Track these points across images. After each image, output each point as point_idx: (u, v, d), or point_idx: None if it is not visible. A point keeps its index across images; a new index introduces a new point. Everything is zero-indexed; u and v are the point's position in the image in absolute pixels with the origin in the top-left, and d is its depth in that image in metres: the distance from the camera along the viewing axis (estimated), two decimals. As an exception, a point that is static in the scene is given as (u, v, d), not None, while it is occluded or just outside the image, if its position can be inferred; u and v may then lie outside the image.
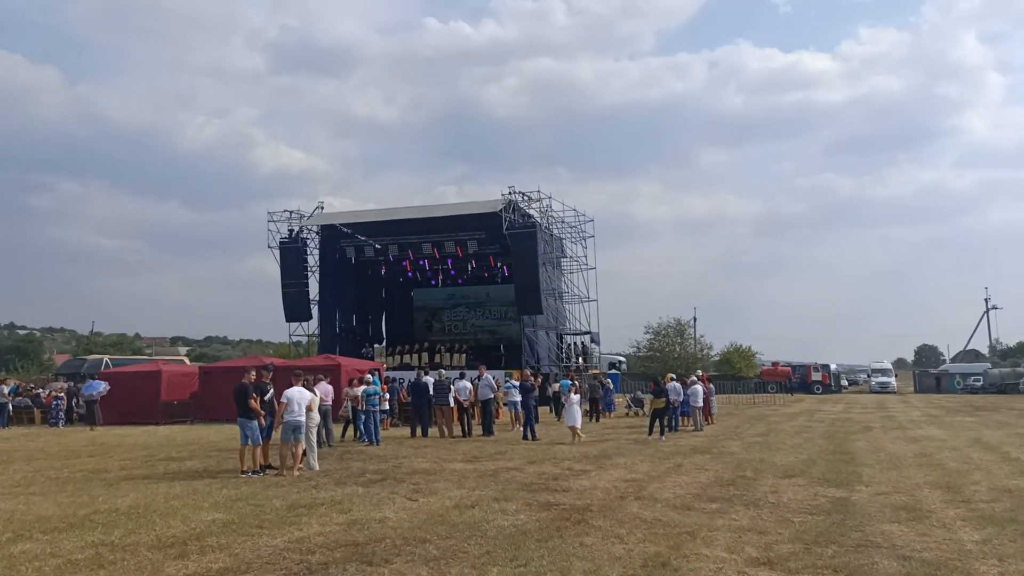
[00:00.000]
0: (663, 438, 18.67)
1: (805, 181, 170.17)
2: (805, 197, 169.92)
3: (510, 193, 40.54)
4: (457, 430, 20.42)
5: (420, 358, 43.18)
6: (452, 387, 20.76)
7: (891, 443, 17.18)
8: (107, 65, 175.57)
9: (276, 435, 13.60)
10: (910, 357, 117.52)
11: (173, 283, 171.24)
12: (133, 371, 30.83)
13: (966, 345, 76.61)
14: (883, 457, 14.30)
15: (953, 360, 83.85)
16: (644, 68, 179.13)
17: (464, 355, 44.15)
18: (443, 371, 22.00)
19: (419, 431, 20.45)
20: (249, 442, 12.94)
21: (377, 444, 17.91)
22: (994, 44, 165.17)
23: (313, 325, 46.10)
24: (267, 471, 13.09)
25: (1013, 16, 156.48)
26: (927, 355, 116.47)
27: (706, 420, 22.69)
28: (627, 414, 28.88)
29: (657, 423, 19.07)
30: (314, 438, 13.83)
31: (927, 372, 63.72)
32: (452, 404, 20.65)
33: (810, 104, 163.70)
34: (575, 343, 45.58)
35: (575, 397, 18.24)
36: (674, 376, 22.38)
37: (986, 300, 68.97)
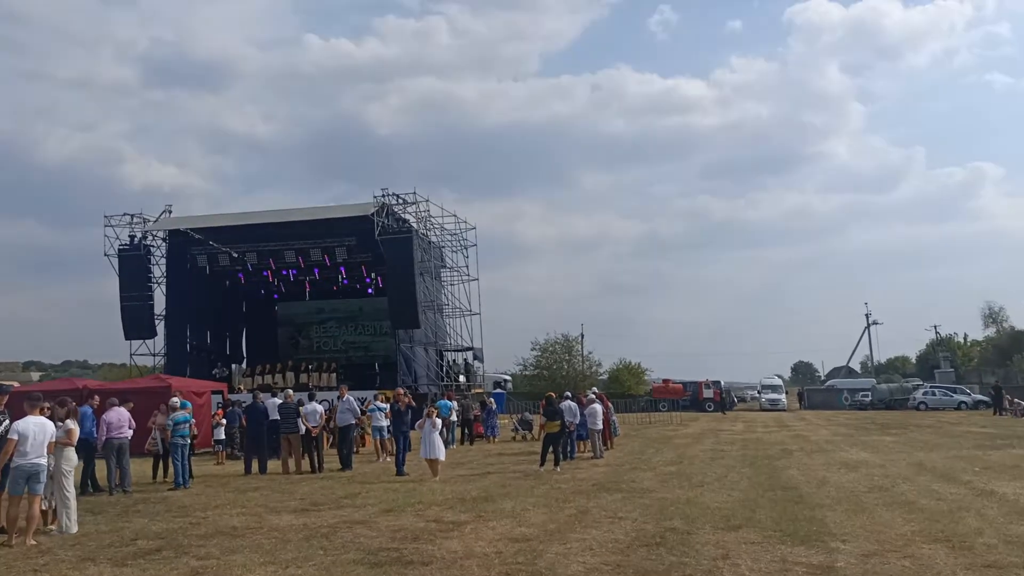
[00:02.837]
0: (558, 469, 15.34)
1: (684, 203, 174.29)
2: (683, 218, 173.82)
3: (383, 195, 36.54)
4: (308, 463, 16.35)
5: (284, 378, 38.32)
6: (303, 411, 16.69)
7: (826, 471, 14.50)
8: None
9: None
10: (786, 373, 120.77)
11: (30, 305, 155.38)
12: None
13: (848, 359, 78.37)
14: (834, 493, 11.45)
15: (828, 376, 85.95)
16: (528, 89, 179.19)
17: (334, 374, 39.63)
18: (290, 391, 17.86)
19: (256, 466, 16.25)
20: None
21: (185, 487, 13.64)
22: (855, 75, 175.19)
23: (160, 343, 40.25)
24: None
25: (874, 48, 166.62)
26: (803, 371, 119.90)
27: (606, 444, 19.57)
28: (514, 438, 25.49)
29: (551, 451, 15.70)
30: (70, 489, 9.56)
31: (815, 388, 63.74)
32: (303, 431, 16.54)
33: (687, 128, 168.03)
34: (456, 360, 41.85)
35: (434, 423, 14.46)
36: (569, 394, 19.16)
37: (867, 316, 70.17)
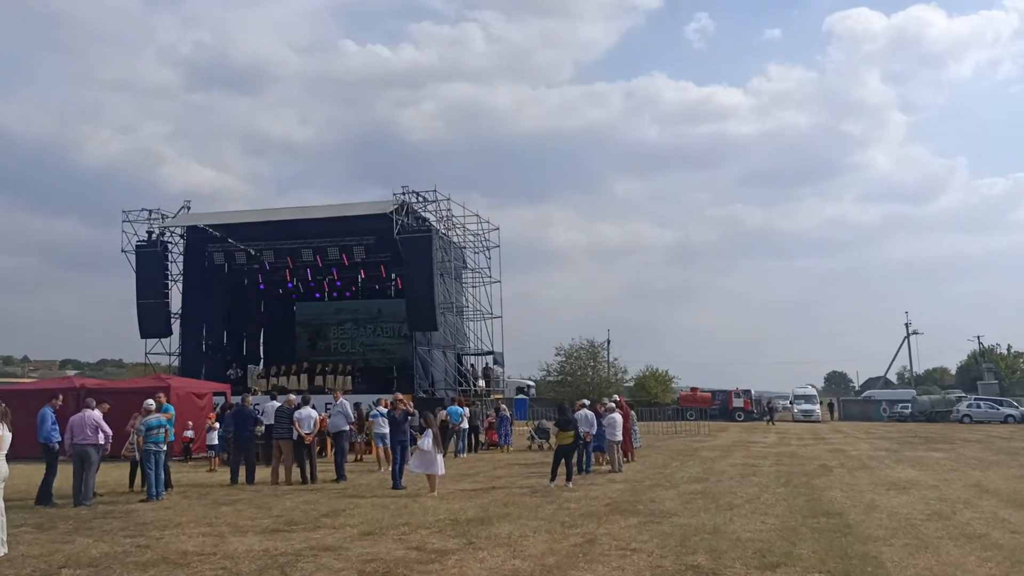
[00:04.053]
0: (570, 485, 13.87)
1: (717, 211, 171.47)
2: (716, 227, 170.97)
3: (403, 193, 35.24)
4: (299, 473, 15.07)
5: (299, 380, 37.28)
6: (296, 416, 15.41)
7: (873, 493, 12.86)
8: (6, 77, 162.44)
9: None
10: (819, 383, 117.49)
11: (70, 303, 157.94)
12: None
13: (887, 370, 75.68)
14: (887, 521, 9.84)
15: (863, 387, 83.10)
16: (561, 96, 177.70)
17: (349, 377, 38.51)
18: (292, 396, 16.59)
19: (243, 475, 15.01)
20: None
21: (158, 498, 12.41)
22: (897, 84, 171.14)
23: (176, 342, 39.43)
24: None
25: (915, 57, 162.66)
26: (836, 381, 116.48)
27: (626, 456, 18.04)
28: (529, 447, 24.06)
29: (563, 465, 14.21)
30: None
31: (850, 399, 61.30)
32: (296, 438, 15.25)
33: (722, 136, 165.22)
34: (475, 364, 40.44)
35: (425, 437, 12.97)
36: (586, 402, 17.65)
37: (906, 325, 67.59)
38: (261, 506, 11.75)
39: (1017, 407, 44.98)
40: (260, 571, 7.43)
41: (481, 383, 39.90)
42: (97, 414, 12.68)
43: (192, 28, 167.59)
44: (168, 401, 21.02)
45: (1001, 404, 45.59)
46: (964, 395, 50.72)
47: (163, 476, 12.84)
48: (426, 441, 12.93)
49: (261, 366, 43.40)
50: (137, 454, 13.63)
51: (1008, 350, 73.13)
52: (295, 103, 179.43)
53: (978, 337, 72.25)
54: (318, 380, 37.65)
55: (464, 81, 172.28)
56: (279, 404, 15.91)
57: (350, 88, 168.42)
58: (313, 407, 15.92)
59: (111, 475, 15.12)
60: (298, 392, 25.89)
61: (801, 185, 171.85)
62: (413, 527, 9.75)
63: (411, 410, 14.61)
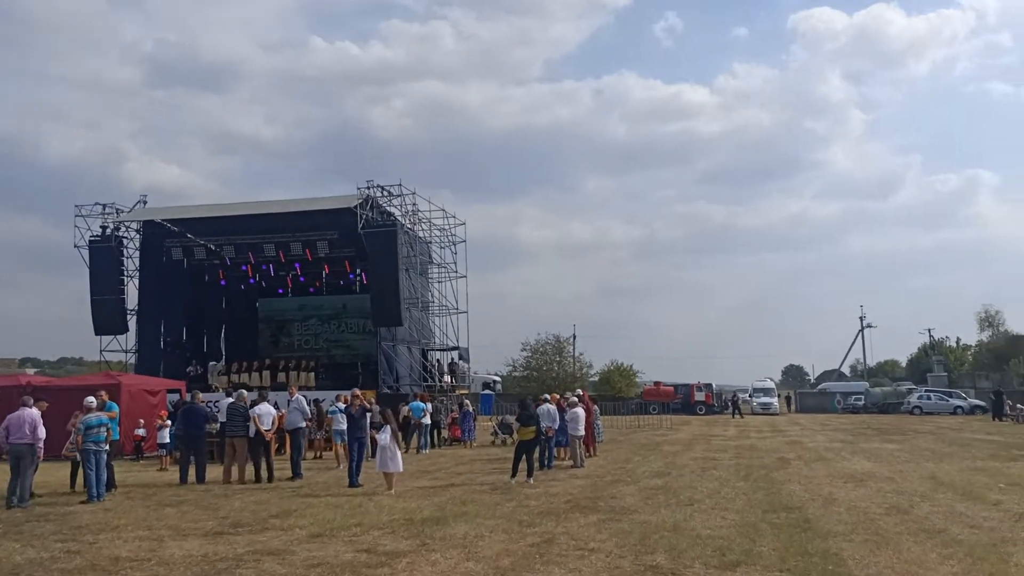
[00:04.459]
0: (531, 481, 13.62)
1: (683, 208, 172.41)
2: (682, 223, 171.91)
3: (368, 187, 34.69)
4: (253, 471, 14.60)
5: (261, 377, 36.63)
6: (254, 412, 14.92)
7: (831, 485, 12.79)
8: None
9: None
10: (777, 376, 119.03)
11: (31, 301, 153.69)
12: None
13: (841, 363, 76.75)
14: (845, 516, 9.72)
15: (819, 380, 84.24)
16: (531, 94, 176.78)
17: (313, 374, 37.94)
18: (244, 392, 16.07)
19: (192, 475, 14.51)
20: None
21: (99, 500, 11.90)
22: (857, 82, 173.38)
23: (133, 339, 38.40)
24: None
25: (875, 56, 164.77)
26: (793, 374, 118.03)
27: (588, 451, 17.87)
28: (493, 442, 23.80)
29: (524, 460, 13.95)
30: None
31: (807, 392, 62.09)
32: (251, 435, 14.77)
33: (689, 134, 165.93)
34: (441, 360, 40.05)
35: (383, 433, 12.62)
36: (547, 397, 17.41)
37: (861, 319, 68.51)
38: (208, 507, 11.31)
39: (966, 399, 45.87)
40: (196, 578, 7.05)
41: (447, 379, 39.58)
42: (35, 412, 12.13)
43: (156, 25, 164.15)
44: (119, 399, 20.54)
45: (950, 396, 46.45)
46: (914, 387, 51.62)
47: (104, 476, 12.31)
48: (384, 437, 12.57)
49: (223, 363, 42.61)
50: (79, 453, 13.07)
51: (957, 343, 74.68)
52: (263, 101, 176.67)
53: (929, 330, 73.63)
54: (281, 376, 36.95)
55: (434, 79, 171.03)
56: (231, 401, 15.42)
57: (319, 86, 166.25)
58: (276, 405, 15.45)
59: (55, 475, 14.54)
60: (260, 389, 25.39)
61: (765, 182, 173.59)
62: (366, 528, 9.41)
63: (368, 406, 14.21)
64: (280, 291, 42.22)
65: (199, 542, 8.68)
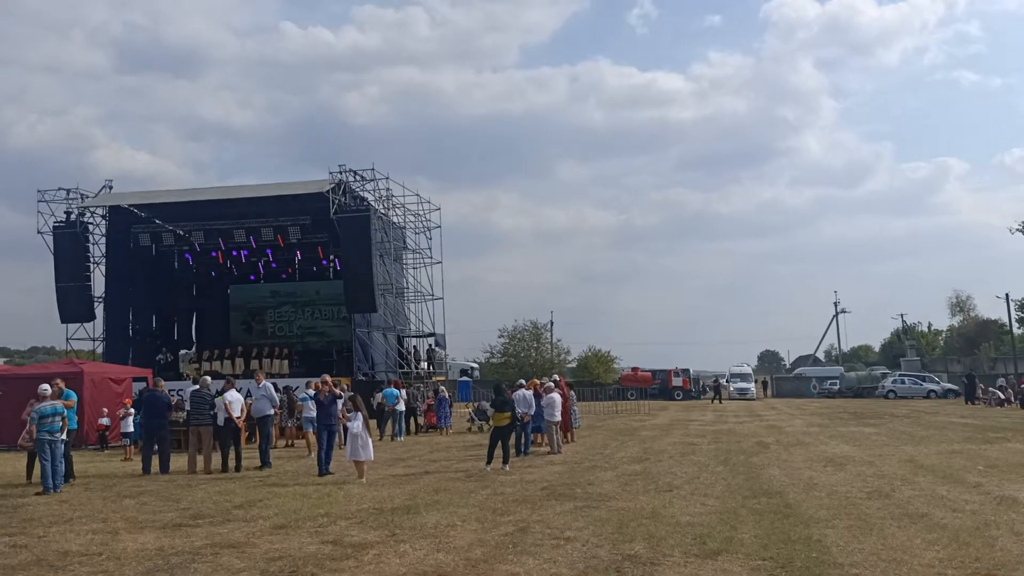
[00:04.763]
0: (506, 468, 13.30)
1: (658, 195, 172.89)
2: (658, 210, 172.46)
3: (340, 171, 34.05)
4: (220, 461, 14.13)
5: (234, 365, 36.09)
6: (223, 400, 14.40)
7: (811, 469, 12.59)
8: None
9: None
10: (753, 362, 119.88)
11: (0, 290, 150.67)
12: None
13: (816, 348, 77.45)
14: (827, 501, 9.48)
15: (794, 365, 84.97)
16: (507, 80, 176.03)
17: (287, 361, 37.40)
18: (208, 378, 15.57)
19: (156, 465, 14.01)
20: None
21: (55, 491, 11.40)
22: (829, 70, 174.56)
23: (101, 327, 37.53)
24: None
25: (846, 44, 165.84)
26: (769, 360, 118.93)
27: (565, 437, 17.59)
28: (469, 429, 23.45)
29: (499, 447, 13.62)
30: None
31: (783, 376, 62.49)
32: (217, 423, 14.28)
33: (664, 121, 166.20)
34: (417, 347, 39.62)
35: (354, 420, 12.17)
36: (522, 382, 17.10)
37: (835, 304, 69.03)
38: (169, 498, 10.84)
39: (939, 383, 46.38)
40: (147, 573, 6.63)
41: (424, 365, 39.14)
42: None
43: (123, 9, 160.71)
44: (81, 387, 19.92)
45: (924, 380, 46.94)
46: (888, 371, 52.14)
47: (61, 467, 11.79)
48: (356, 424, 12.16)
49: (193, 351, 41.80)
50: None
51: (929, 328, 75.60)
52: (235, 87, 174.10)
53: (902, 315, 74.49)
54: (254, 364, 36.33)
55: (409, 65, 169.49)
56: (195, 389, 14.91)
57: (292, 72, 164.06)
58: (248, 393, 14.96)
59: (14, 466, 14.00)
60: (229, 377, 24.81)
61: (738, 169, 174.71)
62: (333, 518, 9.02)
63: (338, 392, 13.78)
64: (252, 278, 41.52)
65: (155, 535, 8.24)
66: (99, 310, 37.01)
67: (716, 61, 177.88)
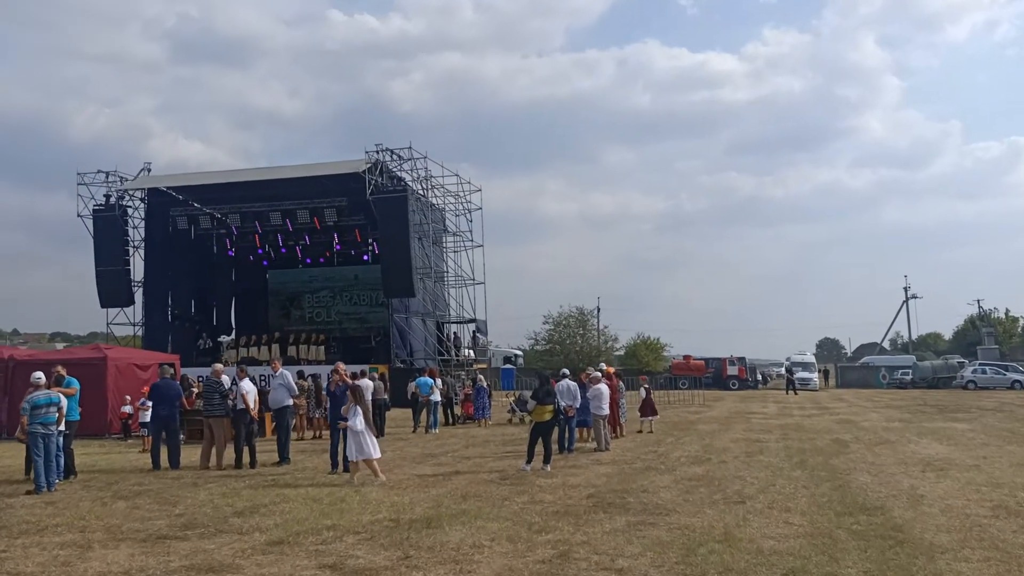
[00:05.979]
0: (547, 468, 11.77)
1: (708, 179, 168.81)
2: (708, 195, 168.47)
3: (376, 151, 32.74)
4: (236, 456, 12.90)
5: (271, 351, 35.21)
6: (237, 390, 13.15)
7: (907, 475, 10.80)
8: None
9: None
10: (811, 350, 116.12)
11: (59, 277, 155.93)
12: None
13: (884, 336, 74.23)
14: (943, 520, 7.72)
15: (856, 353, 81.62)
16: (552, 65, 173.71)
17: (323, 347, 36.45)
18: (219, 366, 14.30)
19: (165, 459, 12.84)
20: None
21: (49, 489, 10.25)
22: (892, 48, 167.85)
23: (139, 312, 37.11)
24: None
25: (911, 20, 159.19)
26: (829, 348, 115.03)
27: (614, 432, 15.99)
28: (510, 420, 22.00)
29: (540, 444, 12.07)
30: None
31: (849, 365, 59.44)
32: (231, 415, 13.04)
33: (715, 104, 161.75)
34: (458, 333, 38.26)
35: (354, 416, 10.68)
36: (566, 372, 15.54)
37: (905, 289, 65.53)
38: (167, 500, 9.59)
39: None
40: (94, 611, 5.29)
41: (466, 352, 37.79)
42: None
43: (176, 1, 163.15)
44: (105, 374, 19.00)
45: (1007, 369, 43.84)
46: (965, 360, 49.05)
47: (55, 464, 10.64)
48: (355, 420, 10.72)
49: (232, 336, 41.21)
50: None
51: (1006, 314, 71.52)
52: (284, 76, 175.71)
53: (978, 301, 70.64)
54: (291, 351, 35.62)
55: (453, 51, 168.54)
56: (206, 378, 13.70)
57: (339, 59, 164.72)
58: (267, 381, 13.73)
59: (15, 460, 12.98)
60: (240, 363, 23.80)
61: (794, 151, 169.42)
62: (340, 532, 7.62)
63: (352, 383, 12.39)
64: (290, 262, 40.66)
65: (130, 551, 6.94)
66: (139, 295, 36.63)
67: (771, 39, 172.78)
